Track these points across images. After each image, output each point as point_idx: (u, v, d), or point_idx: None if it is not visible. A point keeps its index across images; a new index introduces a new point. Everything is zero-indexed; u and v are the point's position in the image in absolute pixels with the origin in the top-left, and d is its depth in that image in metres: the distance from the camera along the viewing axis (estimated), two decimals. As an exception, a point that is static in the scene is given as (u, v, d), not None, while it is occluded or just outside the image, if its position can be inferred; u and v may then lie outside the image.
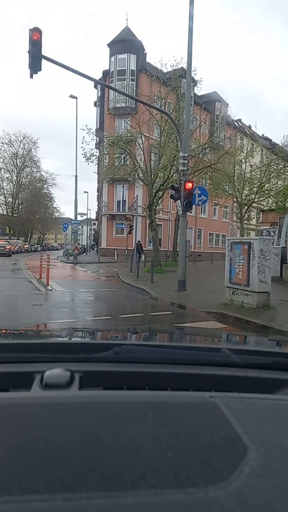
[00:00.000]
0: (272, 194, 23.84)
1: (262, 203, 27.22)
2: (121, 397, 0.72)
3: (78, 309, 7.83)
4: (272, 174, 24.64)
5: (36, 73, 8.46)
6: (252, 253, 7.04)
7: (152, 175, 17.55)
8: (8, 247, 30.86)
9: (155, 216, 18.25)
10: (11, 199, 50.03)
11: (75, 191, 31.44)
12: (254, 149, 29.83)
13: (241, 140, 34.06)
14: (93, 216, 59.69)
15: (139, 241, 18.05)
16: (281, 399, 0.78)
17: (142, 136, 18.35)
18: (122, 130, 21.80)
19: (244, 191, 24.90)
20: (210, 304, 7.54)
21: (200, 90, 20.84)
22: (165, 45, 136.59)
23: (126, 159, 19.35)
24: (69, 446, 0.54)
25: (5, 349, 1.00)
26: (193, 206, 10.76)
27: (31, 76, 8.48)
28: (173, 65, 18.16)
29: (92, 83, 23.47)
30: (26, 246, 46.96)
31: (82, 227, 57.99)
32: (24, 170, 49.65)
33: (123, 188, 30.64)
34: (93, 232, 64.63)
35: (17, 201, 50.59)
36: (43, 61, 8.41)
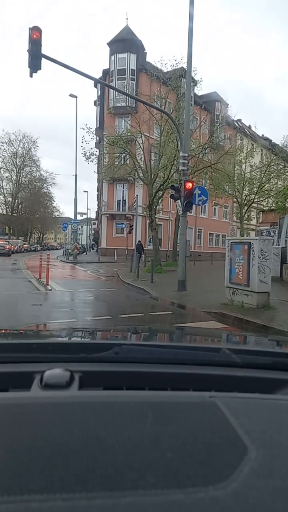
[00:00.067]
0: (272, 194, 23.88)
1: (262, 203, 27.25)
2: (121, 397, 0.72)
3: (78, 309, 7.83)
4: (272, 174, 24.70)
5: (36, 72, 8.47)
6: (252, 253, 7.05)
7: (152, 175, 17.55)
8: (7, 247, 30.86)
9: (155, 216, 18.25)
10: (10, 199, 49.96)
11: (75, 190, 31.51)
12: (254, 149, 29.89)
13: (241, 140, 34.03)
14: (93, 215, 59.71)
15: (139, 241, 18.02)
16: (281, 399, 0.78)
17: (142, 135, 18.34)
18: (122, 130, 21.75)
19: (244, 191, 24.94)
20: (210, 304, 7.55)
21: (200, 90, 20.91)
22: (165, 45, 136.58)
23: (126, 158, 19.35)
24: (69, 446, 0.54)
25: (5, 349, 1.00)
26: (193, 206, 10.77)
27: (31, 75, 8.48)
28: (173, 65, 18.19)
29: (92, 82, 23.43)
30: (26, 245, 47.00)
31: (82, 226, 57.88)
32: (24, 169, 49.59)
33: (123, 188, 30.65)
34: (93, 231, 64.61)
35: (16, 200, 50.48)
36: (43, 60, 8.43)
